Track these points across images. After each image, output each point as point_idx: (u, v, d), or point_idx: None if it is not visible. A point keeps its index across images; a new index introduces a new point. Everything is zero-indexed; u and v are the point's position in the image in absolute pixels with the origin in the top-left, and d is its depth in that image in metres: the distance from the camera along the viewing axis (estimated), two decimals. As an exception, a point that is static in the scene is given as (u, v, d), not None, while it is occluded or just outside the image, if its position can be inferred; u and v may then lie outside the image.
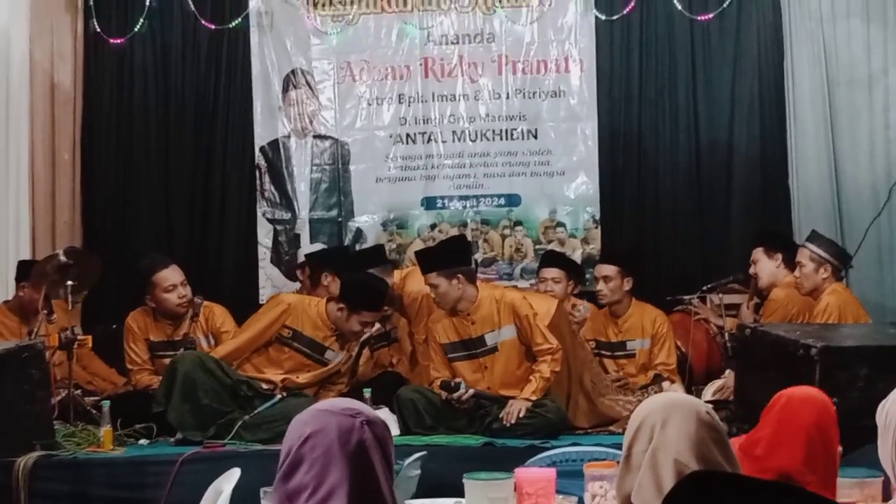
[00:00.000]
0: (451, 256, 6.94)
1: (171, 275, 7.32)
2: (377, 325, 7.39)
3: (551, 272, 7.84)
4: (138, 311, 7.47)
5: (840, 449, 3.41)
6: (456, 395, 6.67)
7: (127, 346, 7.40)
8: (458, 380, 6.74)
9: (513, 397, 6.67)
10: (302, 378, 6.91)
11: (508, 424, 6.54)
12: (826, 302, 6.92)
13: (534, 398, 6.62)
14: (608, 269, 7.66)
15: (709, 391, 7.05)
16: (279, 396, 6.73)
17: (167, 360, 6.98)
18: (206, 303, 7.46)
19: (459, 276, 6.76)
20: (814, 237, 7.35)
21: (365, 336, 7.24)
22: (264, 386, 6.80)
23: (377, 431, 2.43)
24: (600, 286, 7.66)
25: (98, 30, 9.14)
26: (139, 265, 7.56)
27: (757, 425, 3.45)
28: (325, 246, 8.85)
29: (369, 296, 6.92)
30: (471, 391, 6.70)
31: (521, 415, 6.54)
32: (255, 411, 6.57)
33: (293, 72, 9.21)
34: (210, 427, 6.45)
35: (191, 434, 6.42)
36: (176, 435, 6.48)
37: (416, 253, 7.52)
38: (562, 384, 6.87)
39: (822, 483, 3.25)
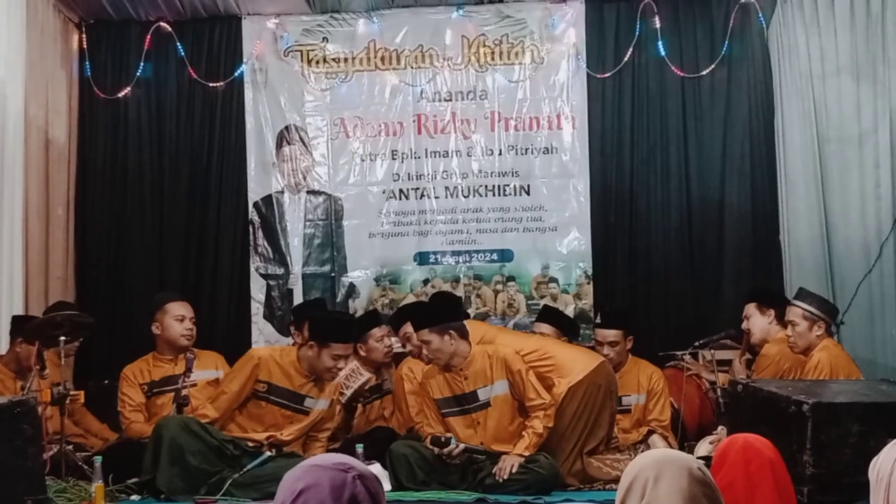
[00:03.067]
0: (441, 313, 6.97)
1: (183, 308, 7.56)
2: (369, 376, 7.41)
3: (545, 328, 7.86)
4: (133, 363, 7.53)
5: None
6: (446, 450, 6.67)
7: (121, 392, 7.43)
8: (448, 435, 6.75)
9: (505, 452, 6.66)
10: (286, 433, 6.90)
11: (501, 480, 6.54)
12: (818, 358, 6.92)
13: (527, 454, 6.62)
14: (613, 335, 7.67)
15: (702, 447, 7.02)
16: (268, 454, 6.71)
17: (168, 395, 7.16)
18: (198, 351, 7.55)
19: (451, 331, 6.79)
20: (802, 295, 7.35)
21: (352, 390, 7.27)
22: (250, 444, 6.79)
23: (370, 486, 2.43)
24: (607, 351, 7.62)
25: (93, 85, 9.21)
26: (154, 297, 7.79)
27: (713, 470, 3.52)
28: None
29: (336, 327, 6.97)
30: (461, 446, 6.70)
31: (513, 470, 6.54)
32: (245, 469, 6.54)
33: (287, 128, 9.26)
34: (200, 488, 6.43)
35: (181, 498, 6.39)
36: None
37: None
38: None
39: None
